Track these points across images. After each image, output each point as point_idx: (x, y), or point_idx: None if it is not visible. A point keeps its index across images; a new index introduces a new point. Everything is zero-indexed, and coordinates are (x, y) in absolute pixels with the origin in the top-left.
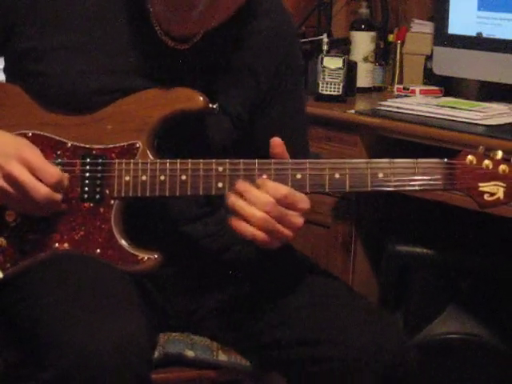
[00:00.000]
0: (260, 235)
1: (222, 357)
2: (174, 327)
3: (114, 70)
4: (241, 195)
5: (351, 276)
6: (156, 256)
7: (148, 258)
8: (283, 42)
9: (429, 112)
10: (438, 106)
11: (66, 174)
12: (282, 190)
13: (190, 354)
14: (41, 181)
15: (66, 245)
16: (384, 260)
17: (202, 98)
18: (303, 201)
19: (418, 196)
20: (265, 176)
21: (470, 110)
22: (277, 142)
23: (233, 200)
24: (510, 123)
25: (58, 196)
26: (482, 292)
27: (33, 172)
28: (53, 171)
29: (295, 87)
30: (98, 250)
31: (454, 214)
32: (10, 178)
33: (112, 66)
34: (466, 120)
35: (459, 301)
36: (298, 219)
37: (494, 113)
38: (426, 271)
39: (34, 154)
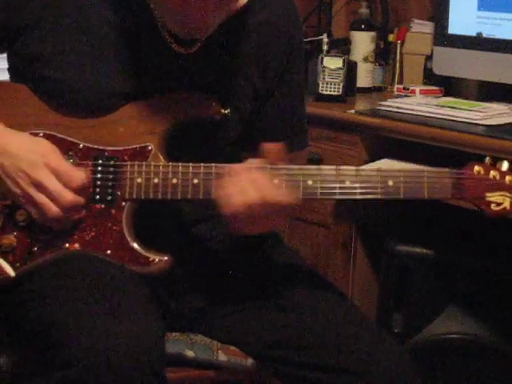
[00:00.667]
0: (238, 209)
1: (222, 357)
2: (174, 327)
3: (124, 74)
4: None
5: (351, 276)
6: (166, 258)
7: (159, 260)
8: (285, 32)
9: (429, 112)
10: (438, 105)
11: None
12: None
13: (190, 353)
14: (66, 185)
15: (76, 245)
16: (384, 260)
17: (214, 104)
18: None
19: None
20: (276, 181)
21: (470, 110)
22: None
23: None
24: (510, 123)
25: (82, 201)
26: (481, 292)
27: (59, 178)
28: (79, 176)
29: (298, 76)
30: (109, 251)
31: (454, 214)
32: (39, 186)
33: (122, 70)
34: (466, 120)
35: (459, 301)
36: (279, 219)
37: (493, 113)
38: (426, 271)
39: (59, 159)
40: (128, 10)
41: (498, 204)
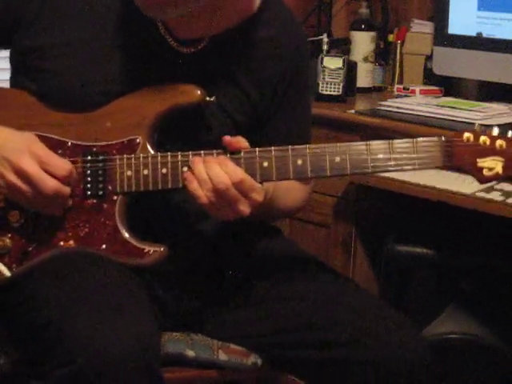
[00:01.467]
0: (205, 200)
1: (223, 357)
2: (174, 327)
3: (117, 71)
4: (203, 163)
5: (351, 276)
6: (162, 249)
7: (154, 251)
8: (289, 51)
9: (429, 112)
10: (438, 105)
11: (78, 170)
12: (240, 174)
13: (190, 353)
14: (50, 174)
15: (71, 242)
16: (384, 260)
17: (199, 91)
18: (257, 192)
19: (418, 196)
20: (266, 164)
21: (470, 110)
22: (228, 141)
23: (195, 161)
24: (510, 123)
25: (67, 189)
26: (481, 292)
27: (42, 166)
28: (62, 164)
29: (301, 96)
30: (104, 246)
31: (454, 214)
32: (20, 173)
33: (116, 66)
34: (466, 120)
35: (459, 301)
36: (244, 208)
37: (493, 113)
38: (426, 271)
39: (44, 149)
40: (124, 5)
41: (490, 169)
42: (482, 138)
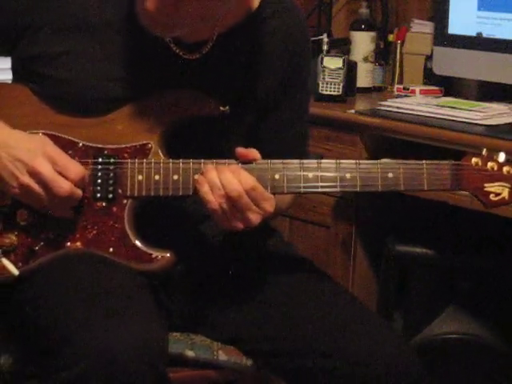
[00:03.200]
0: (216, 206)
1: (222, 357)
2: (175, 327)
3: (122, 78)
4: (216, 170)
5: (351, 276)
6: (169, 255)
7: (162, 257)
8: (293, 44)
9: (429, 112)
10: (438, 105)
11: (88, 171)
12: (252, 182)
13: (190, 353)
14: (64, 177)
15: (78, 244)
16: (384, 260)
17: (212, 101)
18: (268, 201)
19: (418, 196)
20: (277, 176)
21: (470, 110)
22: (241, 153)
23: (208, 168)
24: (510, 123)
25: (80, 192)
26: (481, 292)
27: (56, 168)
28: (76, 167)
29: (302, 90)
30: (111, 249)
31: (455, 214)
32: (34, 174)
33: (121, 74)
34: (466, 120)
35: (459, 301)
36: (255, 217)
37: (493, 113)
38: (426, 271)
39: (58, 151)
40: (129, 13)
41: (497, 194)
42: (490, 164)
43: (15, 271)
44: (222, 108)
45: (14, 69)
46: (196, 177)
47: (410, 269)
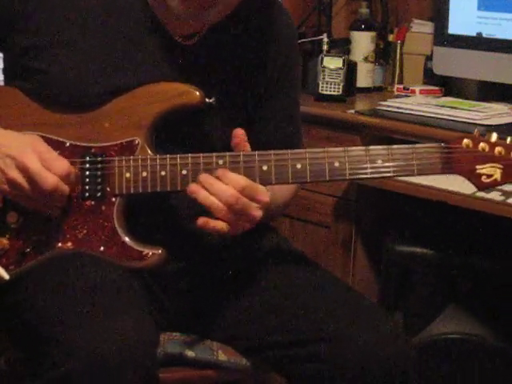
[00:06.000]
0: (223, 227)
1: (222, 357)
2: (174, 327)
3: (116, 67)
4: (204, 187)
5: (351, 276)
6: (160, 251)
7: (152, 254)
8: (284, 36)
9: (429, 112)
10: (437, 105)
11: (76, 170)
12: (242, 181)
13: (190, 354)
14: (51, 172)
15: (69, 244)
16: (384, 260)
17: (198, 93)
18: (262, 193)
19: (418, 196)
20: (265, 167)
21: (470, 110)
22: (238, 133)
23: (194, 190)
24: (510, 123)
25: (66, 188)
26: (481, 292)
27: (43, 163)
28: (62, 163)
29: (294, 80)
30: (102, 248)
31: (455, 214)
32: (22, 168)
33: (115, 63)
34: (466, 120)
35: (459, 301)
36: (257, 211)
37: (493, 113)
38: (426, 271)
39: (46, 147)
40: (123, 1)
41: (489, 176)
42: (481, 145)
43: (6, 276)
44: (207, 99)
45: (5, 68)
46: (183, 173)
47: (410, 269)
